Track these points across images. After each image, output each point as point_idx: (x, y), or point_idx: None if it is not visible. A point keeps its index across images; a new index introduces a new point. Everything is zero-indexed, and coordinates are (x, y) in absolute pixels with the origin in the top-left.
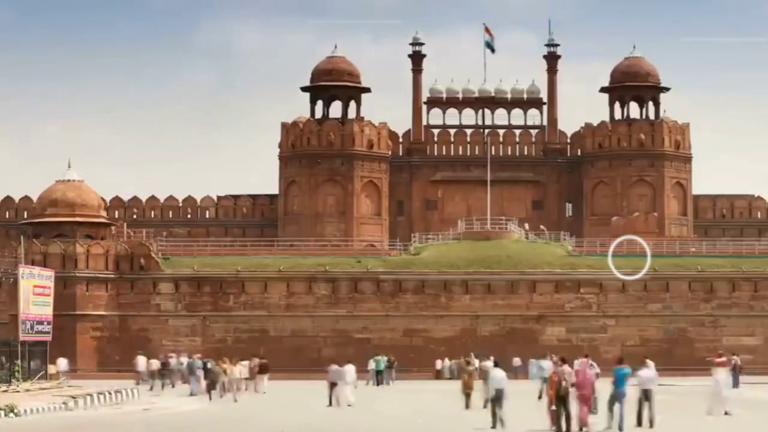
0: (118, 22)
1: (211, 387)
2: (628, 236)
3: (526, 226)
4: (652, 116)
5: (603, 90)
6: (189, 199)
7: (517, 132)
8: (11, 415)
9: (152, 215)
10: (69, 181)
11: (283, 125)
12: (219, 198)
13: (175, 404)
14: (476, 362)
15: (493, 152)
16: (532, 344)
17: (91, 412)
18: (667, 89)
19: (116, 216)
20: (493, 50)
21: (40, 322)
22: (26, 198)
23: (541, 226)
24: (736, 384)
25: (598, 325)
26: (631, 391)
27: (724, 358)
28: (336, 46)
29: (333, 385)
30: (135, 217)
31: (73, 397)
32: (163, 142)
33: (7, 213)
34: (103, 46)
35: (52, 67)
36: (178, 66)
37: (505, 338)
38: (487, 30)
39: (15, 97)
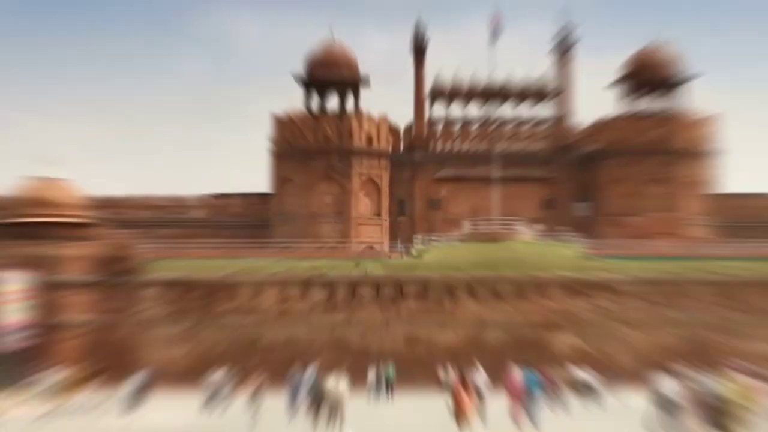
0: (111, 16)
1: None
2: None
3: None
4: (668, 111)
5: (618, 82)
6: (177, 199)
7: (527, 127)
8: None
9: (139, 215)
10: (51, 179)
11: (277, 119)
12: (209, 197)
13: (159, 418)
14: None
15: (500, 148)
16: (542, 352)
17: (71, 422)
18: (687, 81)
19: (102, 216)
20: (496, 39)
21: (22, 328)
22: (4, 197)
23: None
24: None
25: (612, 330)
26: None
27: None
28: (333, 34)
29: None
30: (120, 217)
31: (56, 407)
32: (152, 139)
33: None
34: (95, 38)
35: (36, 59)
36: (169, 59)
37: (513, 346)
38: (495, 18)
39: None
